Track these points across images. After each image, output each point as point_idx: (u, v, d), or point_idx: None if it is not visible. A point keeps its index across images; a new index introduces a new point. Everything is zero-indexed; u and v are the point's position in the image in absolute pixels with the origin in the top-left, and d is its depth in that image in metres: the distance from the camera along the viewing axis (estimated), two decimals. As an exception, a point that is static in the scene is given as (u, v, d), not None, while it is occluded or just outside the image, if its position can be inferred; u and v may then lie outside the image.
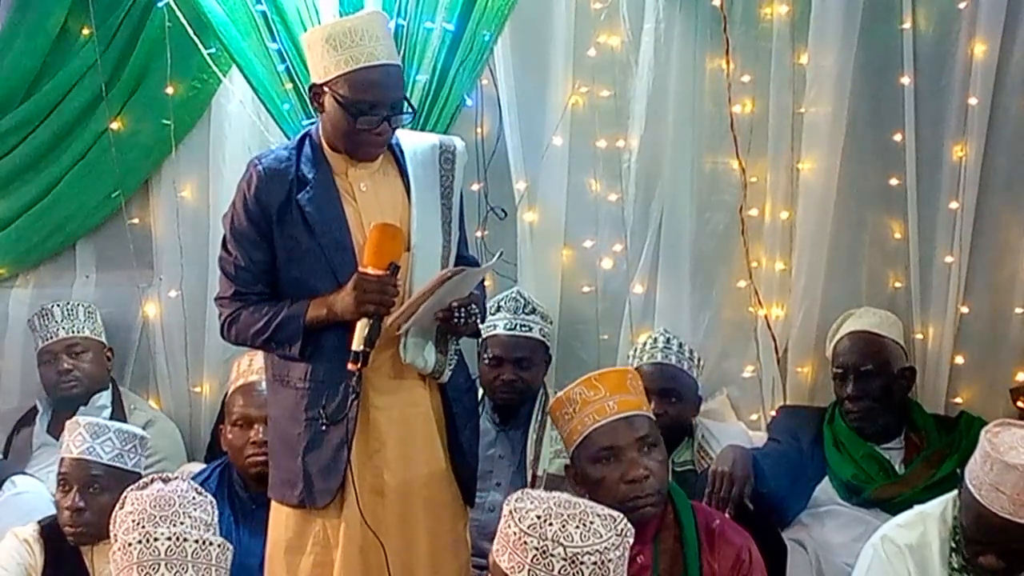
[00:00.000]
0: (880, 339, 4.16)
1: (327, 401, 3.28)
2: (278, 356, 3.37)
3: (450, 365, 3.40)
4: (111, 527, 3.30)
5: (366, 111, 3.26)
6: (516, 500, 2.63)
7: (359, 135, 3.29)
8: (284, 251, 3.33)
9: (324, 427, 3.28)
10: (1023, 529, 2.91)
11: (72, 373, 4.59)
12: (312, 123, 4.03)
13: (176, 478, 3.39)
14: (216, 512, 3.36)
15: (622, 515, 2.66)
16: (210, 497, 3.37)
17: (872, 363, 4.11)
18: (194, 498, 3.30)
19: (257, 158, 3.40)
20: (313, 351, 3.31)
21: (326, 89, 3.29)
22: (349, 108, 3.26)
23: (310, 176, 3.34)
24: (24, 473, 4.31)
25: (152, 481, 3.35)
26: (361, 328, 3.21)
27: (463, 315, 3.30)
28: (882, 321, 4.22)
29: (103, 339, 4.68)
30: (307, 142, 3.39)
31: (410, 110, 3.40)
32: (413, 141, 3.45)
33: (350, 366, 3.20)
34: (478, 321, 3.39)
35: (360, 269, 3.24)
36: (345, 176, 3.37)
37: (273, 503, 3.43)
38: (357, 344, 3.20)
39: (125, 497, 3.31)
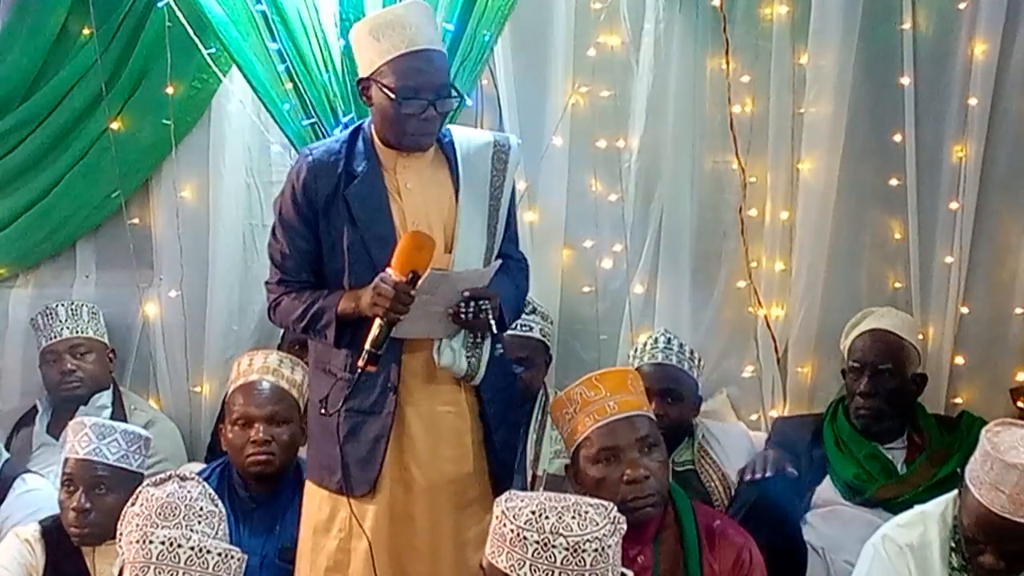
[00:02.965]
0: (900, 340, 4.17)
1: (364, 393, 3.31)
2: (320, 343, 3.41)
3: (482, 367, 3.40)
4: (120, 523, 3.30)
5: (410, 96, 3.26)
6: (505, 501, 2.65)
7: (406, 122, 3.29)
8: (328, 242, 3.36)
9: (360, 417, 3.32)
10: (1022, 528, 2.92)
11: (75, 374, 4.59)
12: (311, 122, 4.07)
13: (192, 478, 3.37)
14: (224, 524, 3.34)
15: (612, 504, 2.67)
16: (221, 507, 3.35)
17: (891, 362, 4.11)
18: (201, 509, 3.28)
19: (308, 149, 3.43)
20: (352, 342, 3.32)
21: (372, 81, 3.31)
22: (394, 95, 3.26)
23: (359, 170, 3.35)
24: (32, 471, 4.30)
25: (169, 478, 3.35)
26: (374, 329, 3.21)
27: (471, 310, 3.28)
28: (903, 324, 4.23)
29: (105, 340, 4.68)
30: (359, 136, 3.41)
31: (456, 95, 3.39)
32: (468, 138, 3.44)
33: (359, 363, 3.21)
34: (490, 317, 3.31)
35: (386, 270, 3.24)
36: (393, 172, 3.38)
37: (308, 483, 3.48)
38: (367, 343, 3.21)
39: (139, 493, 3.31)
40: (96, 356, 4.63)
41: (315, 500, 3.45)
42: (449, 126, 3.49)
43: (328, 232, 3.35)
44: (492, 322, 3.31)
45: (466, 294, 3.27)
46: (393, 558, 3.35)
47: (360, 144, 3.38)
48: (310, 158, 3.37)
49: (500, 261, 3.40)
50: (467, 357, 3.37)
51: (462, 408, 3.42)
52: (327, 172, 3.34)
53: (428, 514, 3.37)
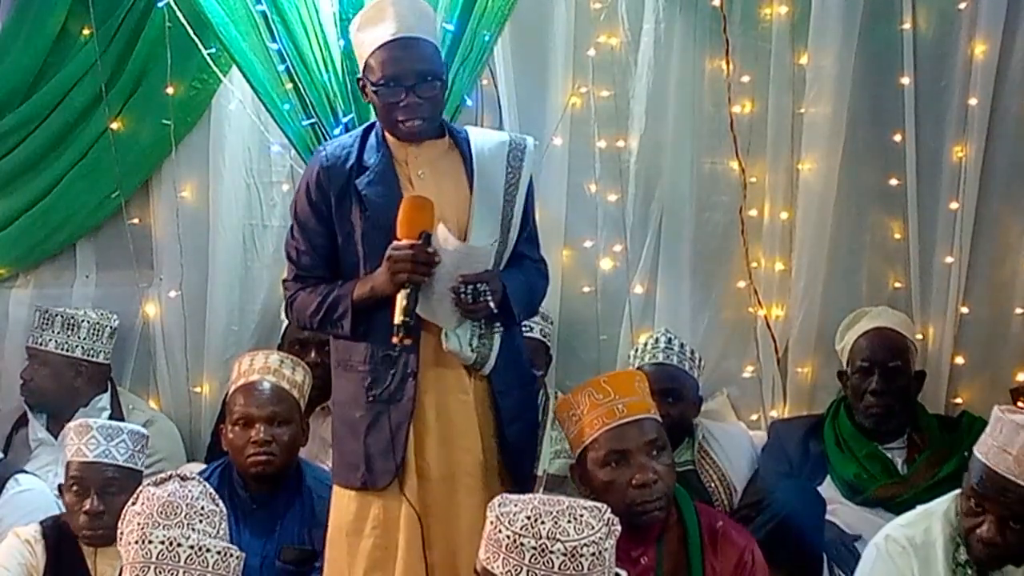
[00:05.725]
0: (904, 338, 4.20)
1: (385, 382, 3.32)
2: (337, 338, 3.43)
3: (492, 357, 3.39)
4: (120, 523, 3.30)
5: (389, 84, 3.29)
6: (499, 506, 2.64)
7: (392, 111, 3.31)
8: (343, 235, 3.38)
9: (381, 407, 3.33)
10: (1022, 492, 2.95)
11: (27, 384, 4.60)
12: (311, 122, 4.07)
13: (193, 478, 3.37)
14: (225, 523, 3.34)
15: (605, 506, 2.67)
16: (221, 507, 3.35)
17: (900, 360, 4.14)
18: (203, 508, 3.28)
19: (322, 146, 3.48)
20: (367, 331, 3.35)
21: (364, 75, 3.36)
22: (374, 86, 3.31)
23: (370, 162, 3.38)
24: (26, 472, 4.30)
25: (170, 478, 3.35)
26: (400, 300, 3.22)
27: (469, 292, 3.27)
28: (901, 322, 4.26)
29: (98, 357, 4.62)
30: (372, 131, 3.44)
31: (437, 79, 3.35)
32: (483, 138, 3.47)
33: (393, 339, 3.22)
34: (489, 300, 3.29)
35: (393, 243, 3.27)
36: (405, 163, 3.40)
37: (335, 487, 3.48)
38: (397, 316, 3.21)
39: (140, 493, 3.31)
40: (50, 371, 4.59)
41: (343, 502, 3.44)
42: (466, 126, 3.52)
43: (342, 225, 3.37)
44: (492, 304, 3.29)
45: (459, 278, 3.27)
46: (420, 549, 3.34)
47: (372, 138, 3.42)
48: (323, 154, 3.42)
49: (497, 239, 3.39)
50: (476, 345, 3.37)
51: (472, 397, 3.40)
52: (339, 166, 3.38)
53: (444, 504, 3.36)
